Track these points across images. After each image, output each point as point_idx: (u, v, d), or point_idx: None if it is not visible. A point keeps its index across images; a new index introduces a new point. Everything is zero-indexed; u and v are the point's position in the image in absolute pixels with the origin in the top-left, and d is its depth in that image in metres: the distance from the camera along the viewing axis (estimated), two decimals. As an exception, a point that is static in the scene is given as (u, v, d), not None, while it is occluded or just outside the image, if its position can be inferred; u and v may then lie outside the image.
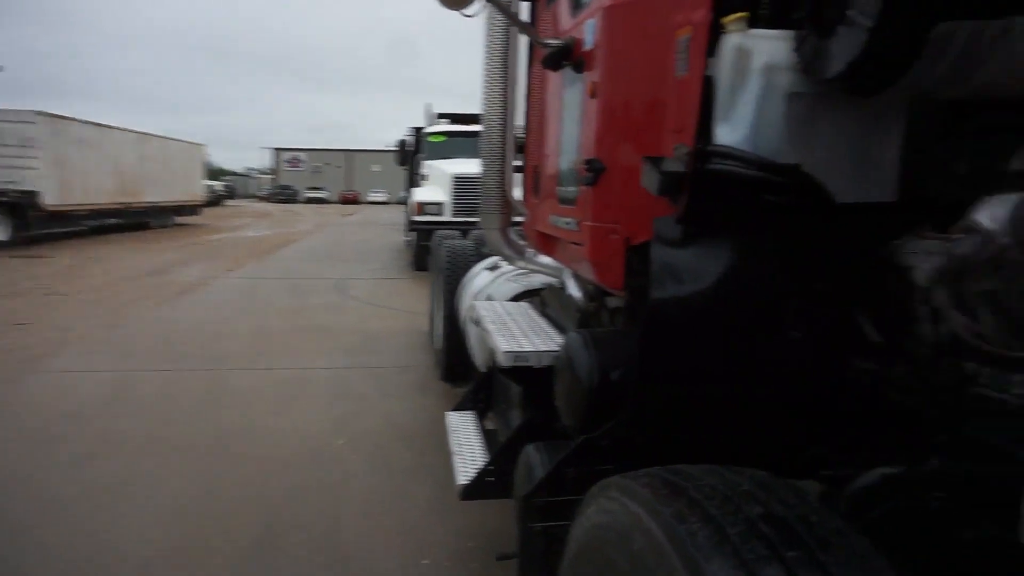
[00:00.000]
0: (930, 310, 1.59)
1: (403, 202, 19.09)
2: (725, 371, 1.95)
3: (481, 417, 3.77)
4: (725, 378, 1.95)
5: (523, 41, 3.37)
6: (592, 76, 2.33)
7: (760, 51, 1.76)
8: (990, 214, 1.42)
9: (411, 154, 16.63)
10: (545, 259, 3.49)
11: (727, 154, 1.82)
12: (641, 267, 2.20)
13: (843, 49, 1.56)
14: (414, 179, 15.65)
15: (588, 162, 2.30)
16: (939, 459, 1.39)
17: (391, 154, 19.58)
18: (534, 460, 2.33)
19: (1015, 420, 1.38)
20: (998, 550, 1.26)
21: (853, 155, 1.82)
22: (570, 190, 2.69)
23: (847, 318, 1.87)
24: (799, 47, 1.73)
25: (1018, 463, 1.27)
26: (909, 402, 1.62)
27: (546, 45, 2.57)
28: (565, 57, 2.51)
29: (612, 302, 2.86)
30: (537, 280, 4.13)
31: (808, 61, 1.70)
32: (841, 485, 1.81)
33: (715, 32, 1.80)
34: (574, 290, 3.24)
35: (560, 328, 3.17)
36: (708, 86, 1.85)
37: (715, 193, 1.86)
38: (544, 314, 3.60)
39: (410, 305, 10.44)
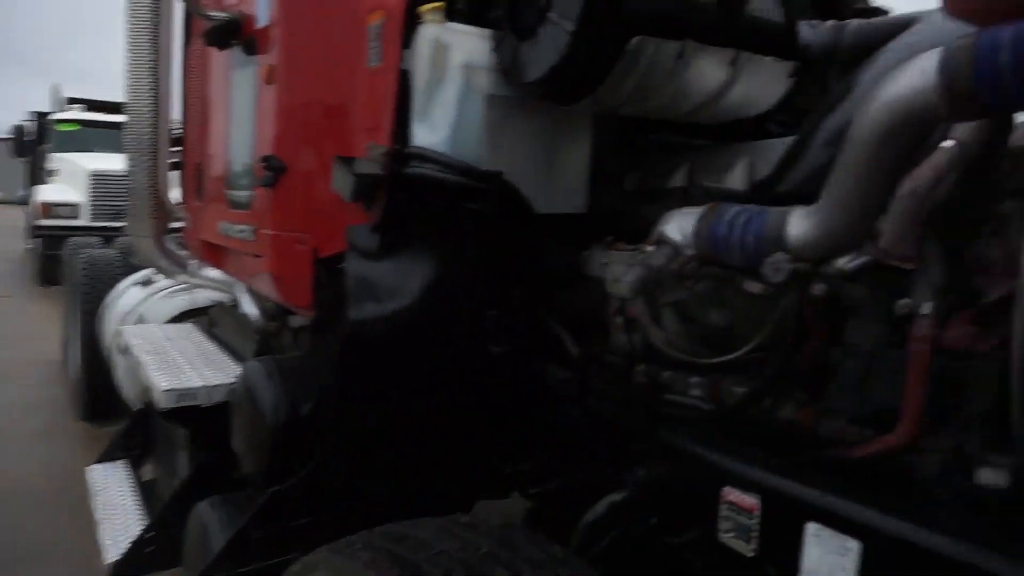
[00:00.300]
0: (623, 319, 1.63)
1: (23, 202, 15.69)
2: (429, 392, 1.80)
3: (136, 467, 3.10)
4: (429, 400, 1.80)
5: (179, 10, 2.84)
6: (268, 59, 2.00)
7: (459, 47, 1.64)
8: (677, 227, 1.48)
9: (33, 144, 13.72)
10: (213, 272, 2.99)
11: (426, 157, 1.67)
12: (332, 281, 1.94)
13: (544, 53, 1.51)
14: (38, 175, 12.93)
15: (266, 160, 1.96)
16: (641, 468, 1.40)
17: (4, 143, 15.90)
18: (209, 520, 1.91)
19: (701, 423, 1.45)
20: (703, 550, 1.30)
21: (548, 164, 1.80)
22: (244, 193, 2.31)
23: (546, 329, 1.86)
24: (498, 47, 1.65)
25: (709, 465, 1.32)
26: (608, 411, 1.64)
27: (208, 17, 2.15)
28: (232, 34, 2.13)
29: (296, 320, 2.54)
30: (203, 296, 3.57)
31: (507, 63, 1.63)
32: (549, 501, 1.80)
33: (411, 21, 1.64)
34: (250, 307, 2.82)
35: (235, 354, 2.73)
36: (404, 80, 1.68)
37: (414, 199, 1.70)
38: (214, 337, 3.09)
39: (35, 329, 8.50)
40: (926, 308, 1.10)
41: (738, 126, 2.13)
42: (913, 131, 0.99)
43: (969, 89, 0.88)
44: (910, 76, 0.96)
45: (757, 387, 1.34)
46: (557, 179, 1.84)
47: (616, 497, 1.29)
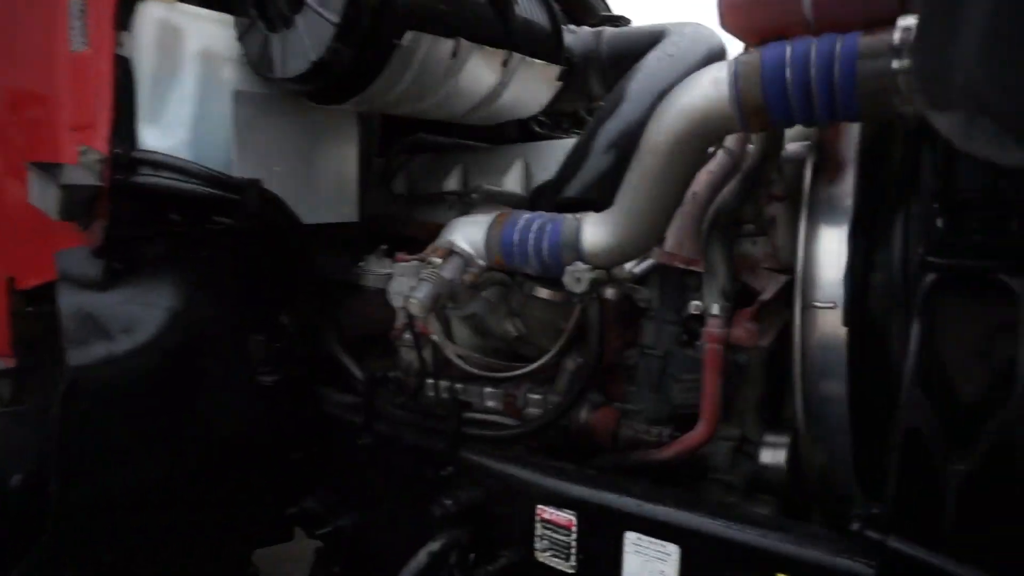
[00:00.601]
0: (412, 336, 1.51)
1: None
2: (184, 438, 1.52)
3: None
4: (186, 447, 1.52)
5: None
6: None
7: (194, 33, 1.38)
8: (464, 236, 1.39)
9: None
10: None
11: (162, 163, 1.38)
12: (40, 319, 1.54)
13: (303, 47, 1.31)
14: None
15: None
16: (448, 497, 1.30)
17: None
18: None
19: (505, 441, 1.39)
20: (521, 573, 1.25)
21: (313, 170, 1.60)
22: None
23: (325, 350, 1.67)
24: (244, 36, 1.41)
25: (520, 485, 1.27)
26: (404, 436, 1.51)
27: None
28: None
29: (-12, 365, 2.00)
30: None
31: (257, 55, 1.40)
32: (342, 539, 1.62)
33: (128, -4, 1.33)
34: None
35: None
36: (124, 70, 1.36)
37: (148, 215, 1.41)
38: None
39: None
40: (715, 308, 1.15)
41: (505, 127, 2.11)
42: (706, 139, 1.01)
43: (759, 103, 0.91)
44: (704, 86, 0.97)
45: (568, 396, 1.30)
46: (324, 186, 1.65)
47: (434, 546, 1.18)
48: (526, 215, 1.32)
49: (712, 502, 1.15)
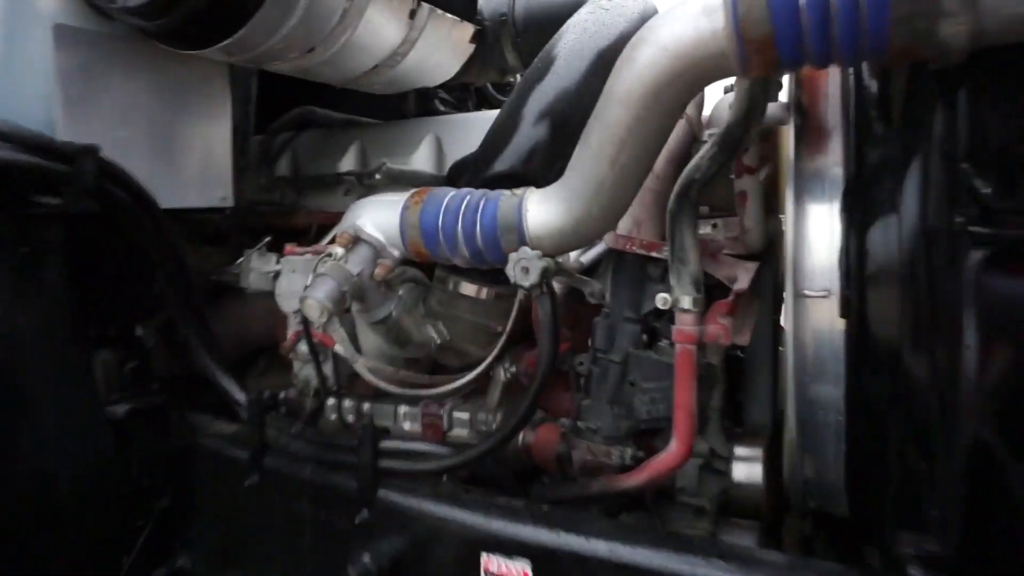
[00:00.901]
0: (309, 346, 1.22)
1: None
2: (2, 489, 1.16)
3: None
4: (7, 500, 1.16)
5: None
6: None
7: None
8: (373, 221, 1.12)
9: None
10: None
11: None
12: None
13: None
14: None
15: None
16: (366, 551, 1.03)
17: None
18: None
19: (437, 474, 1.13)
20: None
21: (171, 137, 1.27)
22: None
23: (197, 368, 1.33)
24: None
25: (457, 529, 1.02)
26: (306, 473, 1.21)
27: None
28: None
29: None
30: None
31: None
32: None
33: None
34: None
35: None
36: None
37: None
38: None
39: None
40: (687, 302, 0.95)
41: (403, 103, 1.85)
42: (693, 84, 0.80)
43: (766, 34, 0.71)
44: (691, 17, 0.76)
45: (522, 411, 1.04)
46: (188, 160, 1.32)
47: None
48: (450, 192, 1.06)
49: (703, 538, 0.94)
